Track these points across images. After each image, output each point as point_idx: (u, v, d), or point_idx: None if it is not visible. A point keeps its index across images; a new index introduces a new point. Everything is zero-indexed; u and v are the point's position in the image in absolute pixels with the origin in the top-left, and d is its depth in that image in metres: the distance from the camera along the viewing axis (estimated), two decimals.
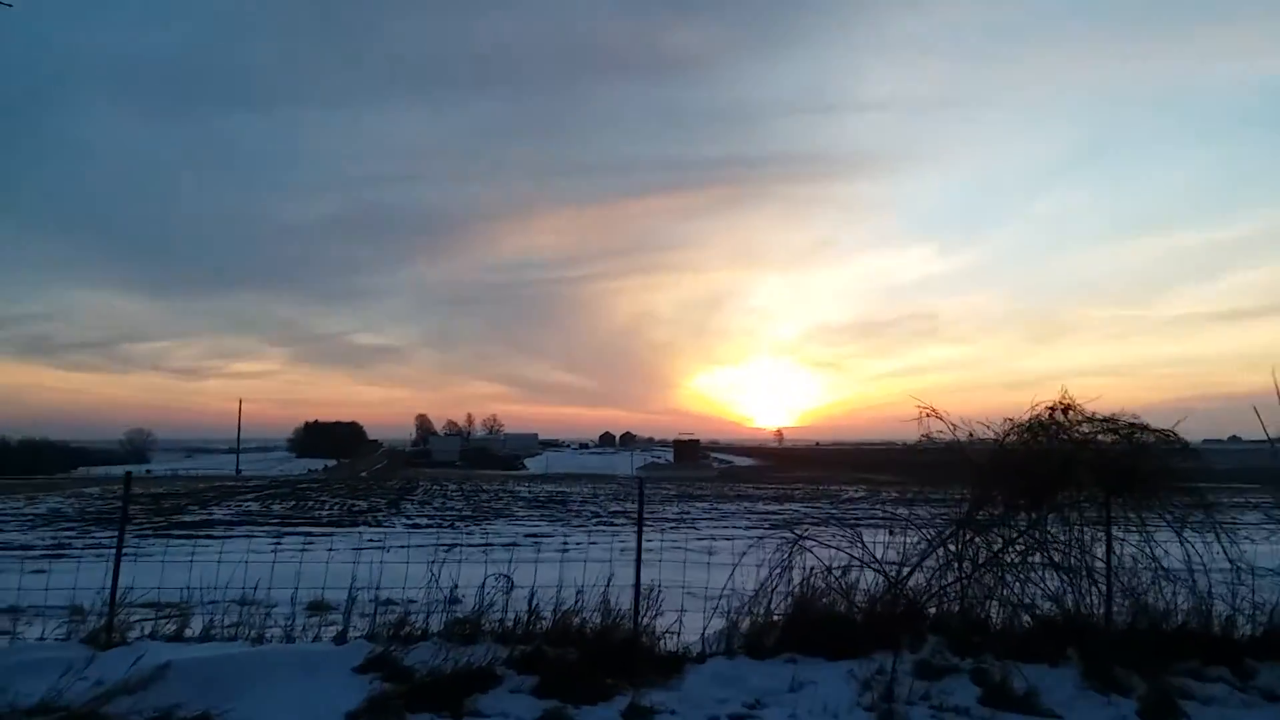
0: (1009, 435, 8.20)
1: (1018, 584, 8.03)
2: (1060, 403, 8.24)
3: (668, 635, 7.67)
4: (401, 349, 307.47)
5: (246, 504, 39.57)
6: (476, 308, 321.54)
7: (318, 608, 11.16)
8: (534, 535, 25.06)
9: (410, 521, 29.89)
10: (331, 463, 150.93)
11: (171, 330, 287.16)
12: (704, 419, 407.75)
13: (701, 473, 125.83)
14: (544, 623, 7.64)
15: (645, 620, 7.73)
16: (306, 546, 20.78)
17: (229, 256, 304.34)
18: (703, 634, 7.82)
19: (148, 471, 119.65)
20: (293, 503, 40.73)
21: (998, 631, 7.67)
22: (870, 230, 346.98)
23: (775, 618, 8.00)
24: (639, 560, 7.87)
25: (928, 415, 8.31)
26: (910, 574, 8.12)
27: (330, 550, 19.42)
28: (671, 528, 29.20)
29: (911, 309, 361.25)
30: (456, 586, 8.44)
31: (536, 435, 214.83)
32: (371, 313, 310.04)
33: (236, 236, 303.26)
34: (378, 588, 8.34)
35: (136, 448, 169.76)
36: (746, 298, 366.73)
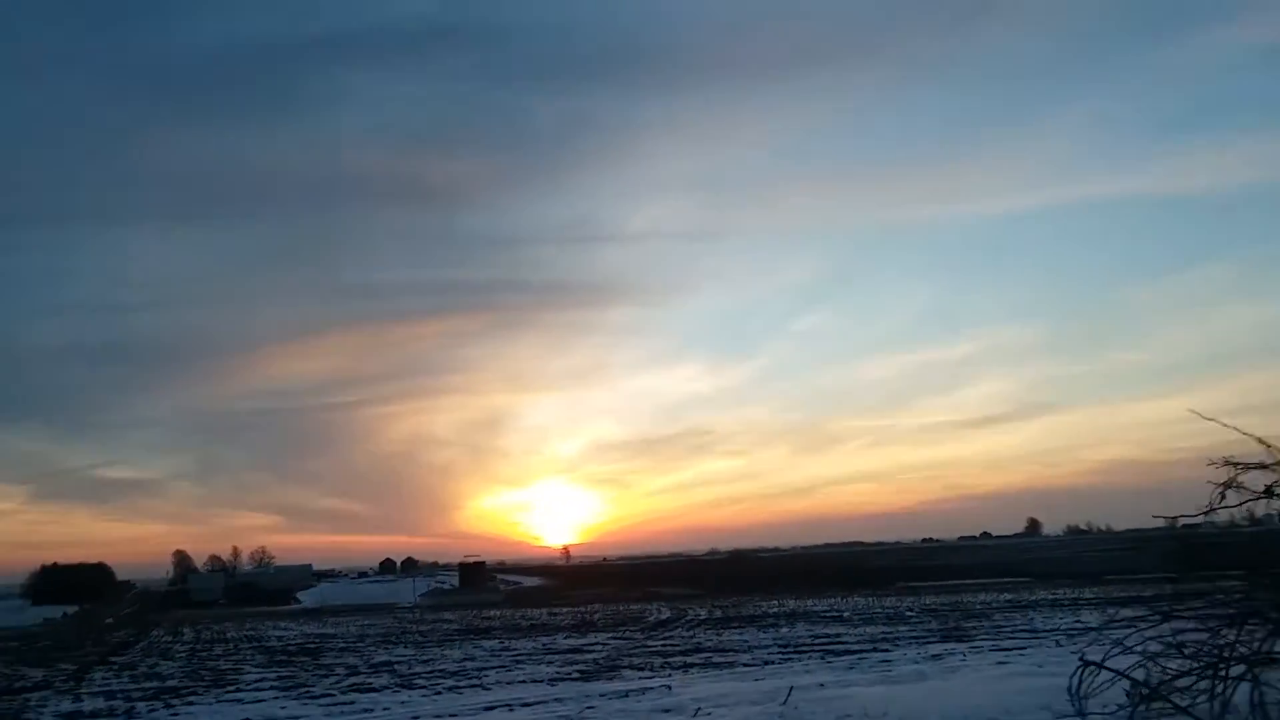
0: None
1: None
2: None
3: None
4: (156, 481, 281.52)
5: None
6: (241, 435, 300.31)
7: None
8: None
9: (74, 706, 21.93)
10: (71, 609, 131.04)
11: None
12: (490, 540, 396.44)
13: (489, 596, 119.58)
14: None
15: None
16: None
17: None
18: None
19: None
20: None
21: None
22: (641, 352, 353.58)
23: None
24: None
25: None
26: None
27: None
28: (450, 688, 22.66)
29: (686, 425, 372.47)
30: None
31: (310, 566, 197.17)
32: (122, 444, 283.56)
33: None
34: None
35: None
36: (524, 418, 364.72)
